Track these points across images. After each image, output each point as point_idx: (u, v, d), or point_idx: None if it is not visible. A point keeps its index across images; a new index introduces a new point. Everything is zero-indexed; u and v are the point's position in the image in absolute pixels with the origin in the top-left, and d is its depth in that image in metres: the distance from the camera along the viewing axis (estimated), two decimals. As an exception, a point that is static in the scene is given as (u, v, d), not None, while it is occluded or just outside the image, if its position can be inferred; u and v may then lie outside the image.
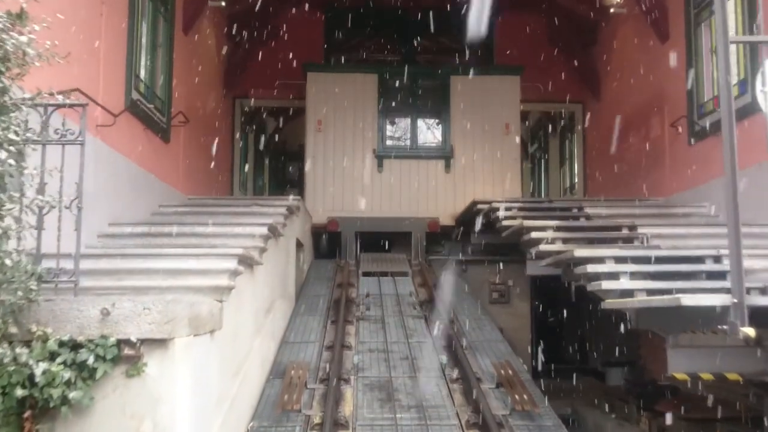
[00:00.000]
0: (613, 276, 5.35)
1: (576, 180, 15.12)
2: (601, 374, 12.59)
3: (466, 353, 7.25)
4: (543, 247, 6.74)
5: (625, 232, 7.23)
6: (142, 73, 8.53)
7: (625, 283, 5.20)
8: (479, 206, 10.06)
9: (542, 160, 17.88)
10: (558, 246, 6.75)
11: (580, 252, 5.80)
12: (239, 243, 6.70)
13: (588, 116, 14.23)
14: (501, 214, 8.71)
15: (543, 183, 17.74)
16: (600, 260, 5.57)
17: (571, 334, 14.27)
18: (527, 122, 16.54)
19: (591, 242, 6.92)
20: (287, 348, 7.67)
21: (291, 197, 10.30)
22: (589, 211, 8.75)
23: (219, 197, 10.48)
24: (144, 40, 8.62)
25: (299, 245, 10.56)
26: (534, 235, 7.05)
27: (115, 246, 6.58)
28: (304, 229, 11.31)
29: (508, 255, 12.22)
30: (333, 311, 8.98)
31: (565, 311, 13.61)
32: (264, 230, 7.04)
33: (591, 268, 5.47)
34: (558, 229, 7.31)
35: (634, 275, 5.34)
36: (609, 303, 5.07)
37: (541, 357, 12.24)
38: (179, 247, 6.32)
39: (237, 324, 5.71)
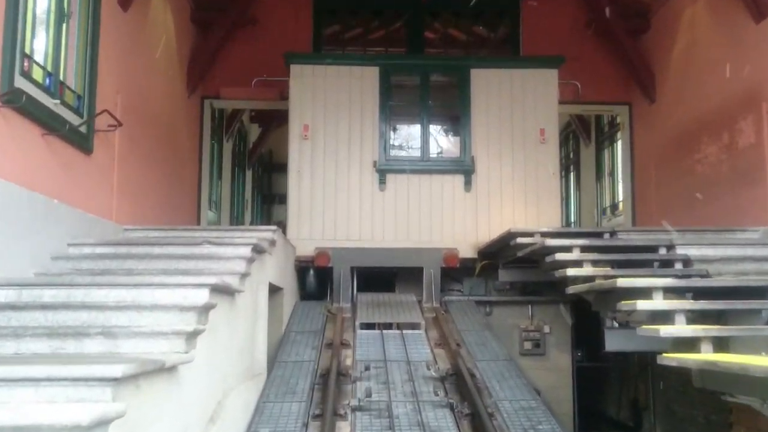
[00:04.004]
0: None
1: (620, 199, 12.47)
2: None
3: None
4: (667, 330, 4.04)
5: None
6: (38, 54, 5.85)
7: None
8: (519, 240, 7.41)
9: (572, 174, 15.21)
10: (684, 327, 4.06)
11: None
12: (157, 324, 4.03)
13: (638, 120, 11.59)
14: (560, 257, 6.04)
15: (573, 201, 15.05)
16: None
17: (620, 390, 11.61)
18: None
19: (732, 319, 4.27)
20: (244, 473, 4.98)
21: (264, 227, 7.73)
22: (686, 251, 6.06)
23: (166, 228, 7.76)
24: (42, 6, 5.95)
25: (275, 289, 7.88)
26: (642, 306, 4.37)
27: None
28: (284, 267, 8.62)
29: (542, 294, 9.78)
30: (318, 393, 6.28)
31: (611, 361, 11.18)
32: (204, 295, 4.36)
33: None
34: (670, 291, 4.64)
35: None
36: None
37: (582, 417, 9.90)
38: (43, 336, 3.64)
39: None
